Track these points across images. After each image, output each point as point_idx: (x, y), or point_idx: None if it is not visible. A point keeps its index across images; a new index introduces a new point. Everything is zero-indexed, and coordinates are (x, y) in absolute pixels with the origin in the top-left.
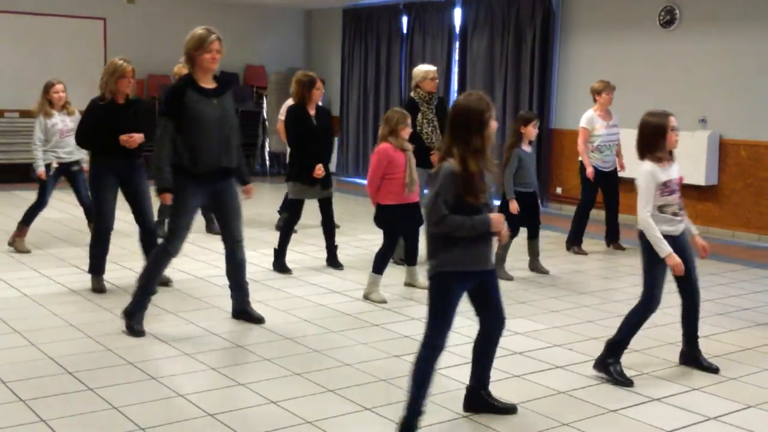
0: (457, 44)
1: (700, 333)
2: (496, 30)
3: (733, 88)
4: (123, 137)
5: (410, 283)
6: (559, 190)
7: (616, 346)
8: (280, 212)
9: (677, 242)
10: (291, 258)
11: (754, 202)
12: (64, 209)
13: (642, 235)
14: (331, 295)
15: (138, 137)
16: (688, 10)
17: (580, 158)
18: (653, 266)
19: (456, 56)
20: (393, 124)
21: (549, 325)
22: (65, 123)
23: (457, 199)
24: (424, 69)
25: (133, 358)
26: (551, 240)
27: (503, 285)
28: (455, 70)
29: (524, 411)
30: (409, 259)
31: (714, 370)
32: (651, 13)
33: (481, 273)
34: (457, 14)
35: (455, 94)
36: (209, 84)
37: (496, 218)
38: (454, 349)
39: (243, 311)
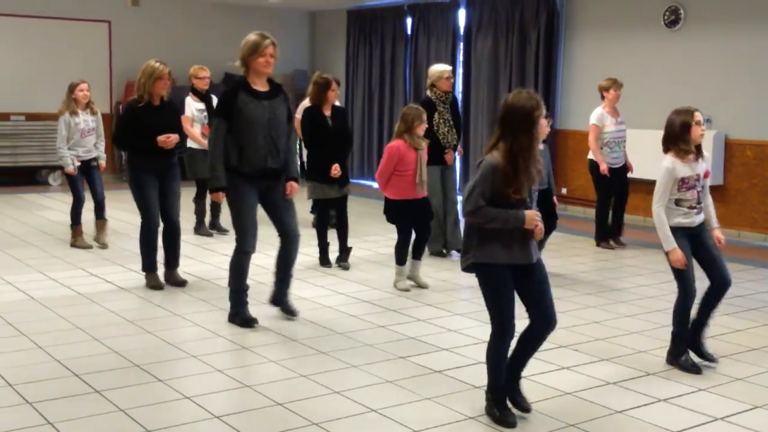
0: (462, 45)
1: (714, 333)
2: (500, 31)
3: (739, 88)
4: (161, 138)
5: (411, 277)
6: (564, 190)
7: (678, 337)
8: (312, 212)
9: (693, 232)
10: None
11: (760, 202)
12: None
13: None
14: (336, 296)
15: (174, 138)
16: (692, 10)
17: (590, 156)
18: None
19: (460, 57)
20: (409, 122)
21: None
22: (87, 123)
23: (495, 192)
24: (440, 69)
25: (140, 360)
26: (553, 240)
27: None
28: (460, 71)
29: (530, 412)
30: (415, 253)
31: (712, 359)
32: (655, 13)
33: (520, 267)
34: (462, 15)
35: (459, 95)
36: (262, 87)
37: (531, 214)
38: (461, 350)
39: (280, 301)
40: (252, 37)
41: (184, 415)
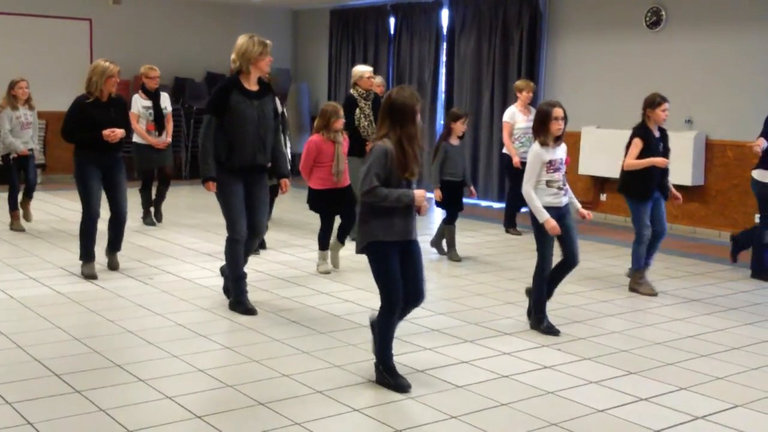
0: (445, 45)
1: (695, 332)
2: (483, 31)
3: (719, 89)
4: (105, 132)
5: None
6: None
7: (538, 303)
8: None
9: (560, 212)
10: (283, 259)
11: (740, 202)
12: (52, 211)
13: (532, 215)
14: (320, 296)
15: (120, 132)
16: (674, 12)
17: (504, 150)
18: (542, 238)
19: (443, 57)
20: (326, 117)
21: None
22: (26, 117)
23: (388, 174)
24: (362, 69)
25: (121, 360)
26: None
27: (483, 273)
28: (443, 71)
29: (512, 411)
30: (339, 236)
31: (555, 332)
32: (637, 14)
33: (404, 243)
34: (445, 15)
35: (443, 95)
36: (253, 86)
37: (419, 192)
38: (443, 350)
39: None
40: (248, 38)
41: (165, 414)
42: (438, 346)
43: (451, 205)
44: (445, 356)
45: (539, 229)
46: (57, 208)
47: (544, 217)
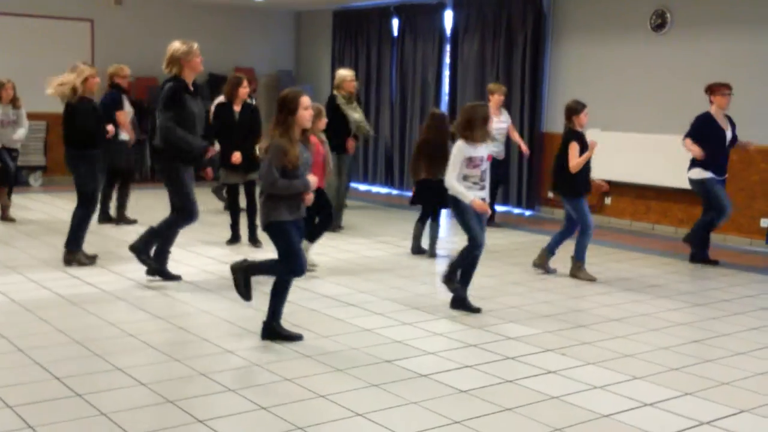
0: (448, 47)
1: (700, 337)
2: (487, 33)
3: None
4: (111, 127)
5: None
6: (551, 194)
7: (453, 269)
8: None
9: None
10: None
11: (746, 206)
12: (53, 213)
13: (452, 202)
14: (322, 299)
15: (110, 129)
16: (678, 14)
17: None
18: (465, 218)
19: (447, 59)
20: None
21: (541, 330)
22: (8, 115)
23: (285, 167)
24: (344, 73)
25: (122, 363)
26: (541, 244)
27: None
28: (446, 73)
29: (516, 416)
30: (310, 236)
31: (476, 310)
32: (642, 17)
33: (297, 221)
34: (448, 17)
35: (446, 97)
36: (191, 86)
37: (313, 180)
38: (445, 354)
39: (159, 270)
40: (179, 42)
41: (166, 418)
42: (441, 350)
43: (428, 203)
44: (448, 360)
45: (462, 212)
46: (58, 210)
47: (469, 198)
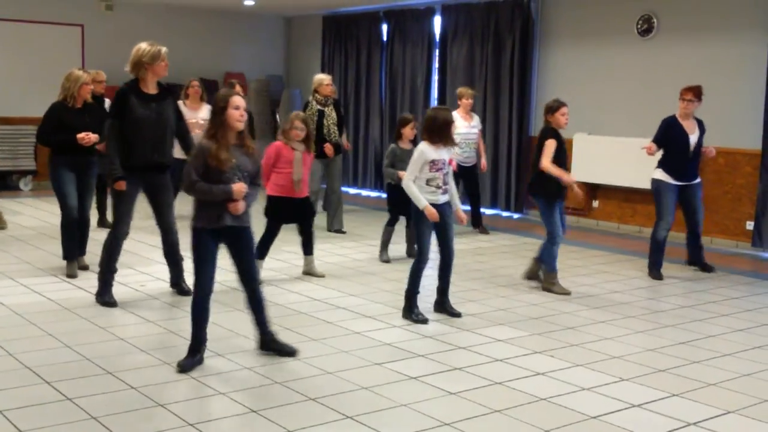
0: (437, 52)
1: (686, 339)
2: (475, 38)
3: (711, 96)
4: (80, 135)
5: (307, 272)
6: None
7: (410, 293)
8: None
9: (437, 209)
10: (274, 266)
11: (731, 209)
12: (43, 218)
13: (413, 205)
14: (311, 302)
15: (93, 137)
16: (665, 19)
17: None
18: (420, 229)
19: (436, 64)
20: (287, 126)
21: (529, 332)
22: None
23: (209, 169)
24: (321, 77)
25: (112, 367)
26: (531, 246)
27: (489, 288)
28: (435, 77)
29: (505, 418)
30: (305, 249)
31: (457, 314)
32: (629, 22)
33: (230, 228)
34: (437, 22)
35: (435, 102)
36: (152, 90)
37: (237, 186)
38: (435, 357)
39: (177, 284)
40: (147, 44)
41: (157, 422)
42: (430, 353)
43: (395, 207)
44: (437, 363)
45: (418, 219)
46: (48, 214)
47: (423, 203)
